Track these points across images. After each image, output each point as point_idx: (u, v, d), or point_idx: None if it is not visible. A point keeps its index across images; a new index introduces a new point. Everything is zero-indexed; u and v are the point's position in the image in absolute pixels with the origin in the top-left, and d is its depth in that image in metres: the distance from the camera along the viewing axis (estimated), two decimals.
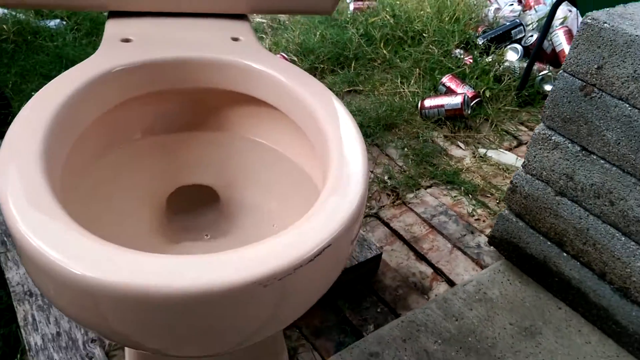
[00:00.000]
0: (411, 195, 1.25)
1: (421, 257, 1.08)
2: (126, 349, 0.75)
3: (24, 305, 0.82)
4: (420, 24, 1.84)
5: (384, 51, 1.74)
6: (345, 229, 0.48)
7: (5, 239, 0.94)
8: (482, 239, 1.12)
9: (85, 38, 1.74)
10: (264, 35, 1.86)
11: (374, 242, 1.01)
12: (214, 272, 0.41)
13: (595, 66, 0.77)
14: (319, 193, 0.54)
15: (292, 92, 0.66)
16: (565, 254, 0.89)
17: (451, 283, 1.02)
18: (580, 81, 0.79)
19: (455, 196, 1.26)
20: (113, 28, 0.76)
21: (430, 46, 1.76)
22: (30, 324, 0.80)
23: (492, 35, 1.76)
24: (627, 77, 0.73)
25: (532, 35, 1.75)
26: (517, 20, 1.79)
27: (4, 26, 1.72)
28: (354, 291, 0.97)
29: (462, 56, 1.72)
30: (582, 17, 1.10)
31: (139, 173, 0.72)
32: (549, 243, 0.91)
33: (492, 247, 1.06)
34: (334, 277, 0.55)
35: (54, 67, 1.54)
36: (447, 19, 1.87)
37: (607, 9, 0.78)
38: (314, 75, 1.62)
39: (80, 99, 0.60)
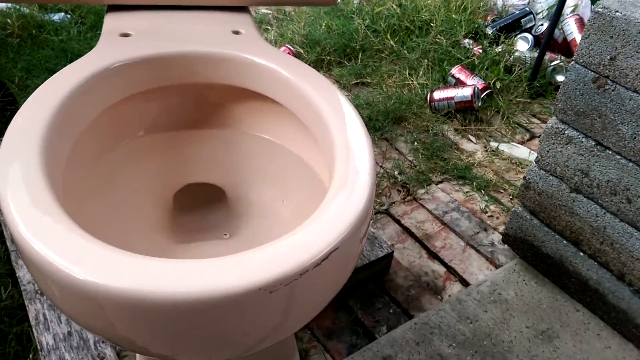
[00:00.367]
0: (422, 191, 1.22)
1: (434, 256, 1.06)
2: None
3: (35, 304, 0.81)
4: (428, 14, 1.81)
5: (391, 42, 1.71)
6: (353, 230, 0.47)
7: None
8: (496, 237, 1.10)
9: (90, 31, 1.72)
10: (269, 27, 1.83)
11: (385, 240, 0.99)
12: (217, 278, 0.40)
13: (608, 57, 0.73)
14: (326, 189, 0.52)
15: (295, 86, 0.64)
16: (582, 254, 0.86)
17: (465, 283, 1.00)
18: (592, 73, 0.76)
19: (467, 192, 1.23)
20: (112, 22, 0.73)
21: (438, 36, 1.72)
22: (41, 323, 0.79)
23: (502, 25, 1.73)
24: None
25: (542, 24, 1.71)
26: (527, 9, 1.75)
27: (8, 20, 1.70)
28: (365, 291, 0.95)
29: (471, 46, 1.69)
30: (593, 5, 1.06)
31: (143, 170, 0.70)
32: (564, 242, 0.88)
33: (506, 245, 1.03)
34: (344, 278, 0.54)
35: (60, 62, 1.52)
36: (454, 8, 1.83)
37: None
38: (321, 68, 1.60)
39: (80, 95, 0.58)
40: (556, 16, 1.46)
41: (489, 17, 1.83)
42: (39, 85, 0.58)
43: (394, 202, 1.18)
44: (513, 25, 1.73)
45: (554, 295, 0.91)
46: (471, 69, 1.59)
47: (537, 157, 0.89)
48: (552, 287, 0.92)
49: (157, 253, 0.63)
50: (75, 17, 1.78)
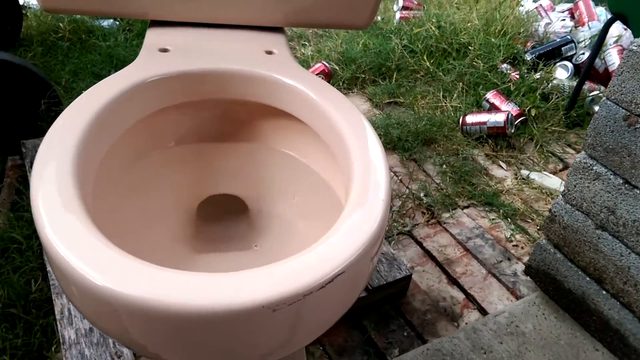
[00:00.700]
0: (447, 214, 1.22)
1: (453, 281, 1.05)
2: None
3: (61, 299, 0.85)
4: (467, 37, 1.80)
5: (427, 63, 1.71)
6: (361, 254, 0.48)
7: None
8: (519, 267, 1.08)
9: (136, 39, 1.78)
10: (306, 43, 1.86)
11: (404, 262, 0.99)
12: (222, 293, 0.42)
13: None
14: (342, 208, 0.53)
15: (319, 107, 0.66)
16: (604, 292, 0.84)
17: (483, 311, 0.99)
18: (624, 110, 0.75)
19: (493, 219, 1.22)
20: (152, 37, 0.77)
21: (476, 60, 1.72)
22: (66, 317, 0.82)
23: (542, 51, 1.71)
24: None
25: (583, 53, 1.68)
26: (569, 37, 1.73)
27: (60, 24, 1.79)
28: (381, 312, 0.95)
29: (508, 72, 1.67)
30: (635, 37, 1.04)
31: (171, 179, 0.73)
32: (587, 279, 0.87)
33: (528, 276, 1.02)
34: (352, 298, 0.54)
35: (105, 67, 1.59)
36: (494, 32, 1.83)
37: None
38: (355, 85, 1.61)
39: (117, 105, 0.61)
40: (598, 46, 1.44)
41: (529, 43, 1.82)
42: (84, 88, 0.62)
43: (418, 224, 1.18)
44: (553, 53, 1.71)
45: (573, 332, 0.89)
46: (507, 94, 1.57)
47: (563, 190, 0.88)
48: (572, 323, 0.90)
49: (176, 261, 0.66)
50: (123, 24, 1.86)
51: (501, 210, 1.23)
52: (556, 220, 0.90)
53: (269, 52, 0.77)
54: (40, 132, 1.19)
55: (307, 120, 0.71)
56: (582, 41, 1.76)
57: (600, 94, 1.53)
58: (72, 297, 0.48)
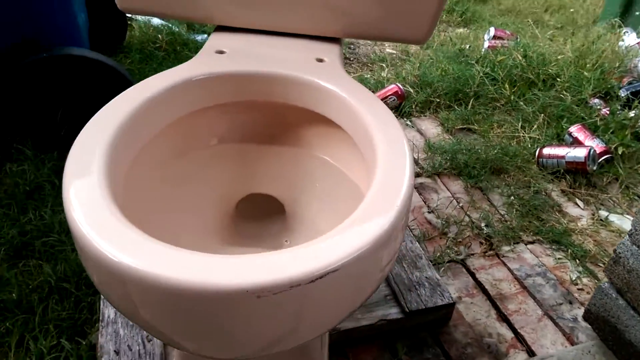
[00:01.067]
0: (507, 248, 1.14)
1: (503, 318, 0.98)
2: None
3: None
4: (556, 68, 1.71)
5: (508, 92, 1.64)
6: (361, 256, 0.46)
7: None
8: (581, 313, 0.99)
9: None
10: (383, 65, 1.87)
11: (448, 290, 0.94)
12: (213, 273, 0.42)
13: None
14: None
15: (359, 117, 0.65)
16: None
17: (532, 354, 0.91)
18: None
19: (559, 258, 1.13)
20: (214, 40, 0.81)
21: (563, 92, 1.63)
22: None
23: (639, 88, 1.58)
24: None
25: None
26: None
27: (159, 36, 1.94)
28: (417, 338, 0.91)
29: (599, 107, 1.56)
30: None
31: (211, 176, 0.75)
32: None
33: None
34: (354, 300, 0.53)
35: None
36: (588, 65, 1.72)
37: None
38: (428, 109, 1.59)
39: (160, 101, 0.65)
40: None
41: (625, 79, 1.69)
42: None
43: (473, 254, 1.12)
44: None
45: None
46: (593, 130, 1.47)
47: (630, 229, 0.80)
48: None
49: (203, 250, 0.67)
50: None
51: (570, 250, 1.14)
52: (620, 262, 0.82)
53: (320, 60, 0.78)
54: None
55: (347, 129, 0.70)
56: None
57: None
58: (92, 277, 0.50)
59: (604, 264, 1.12)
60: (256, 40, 0.83)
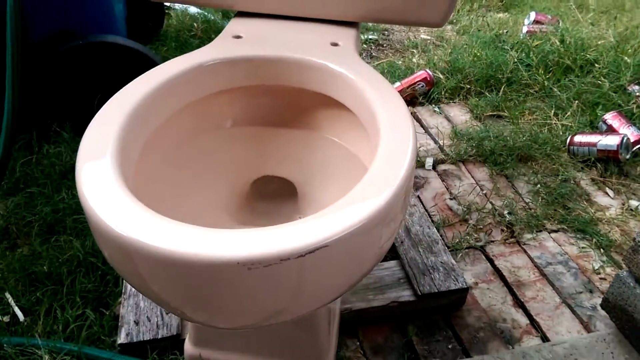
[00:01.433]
0: (529, 235, 1.13)
1: (519, 305, 0.98)
2: None
3: None
4: (595, 53, 1.66)
5: (543, 78, 1.60)
6: (352, 234, 0.47)
7: None
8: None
9: None
10: (414, 51, 1.85)
11: (462, 275, 0.94)
12: (207, 245, 0.44)
13: None
14: None
15: (366, 100, 0.66)
16: None
17: (546, 341, 0.91)
18: None
19: (583, 247, 1.11)
20: (232, 26, 0.83)
21: (601, 78, 1.57)
22: None
23: None
24: None
25: None
26: None
27: (195, 24, 1.99)
28: (429, 320, 0.92)
29: (637, 93, 1.50)
30: None
31: (223, 157, 0.78)
32: None
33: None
34: (347, 278, 0.54)
35: None
36: (629, 50, 1.65)
37: None
38: (458, 95, 1.57)
39: (175, 84, 0.68)
40: None
41: None
42: None
43: (493, 241, 1.11)
44: None
45: None
46: (629, 117, 1.42)
47: None
48: None
49: (214, 227, 0.71)
50: None
51: (594, 239, 1.11)
52: (639, 251, 0.80)
53: (334, 44, 0.80)
54: None
55: (355, 111, 0.72)
56: None
57: None
58: (103, 251, 0.54)
59: None
60: (274, 25, 0.85)
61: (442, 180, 1.27)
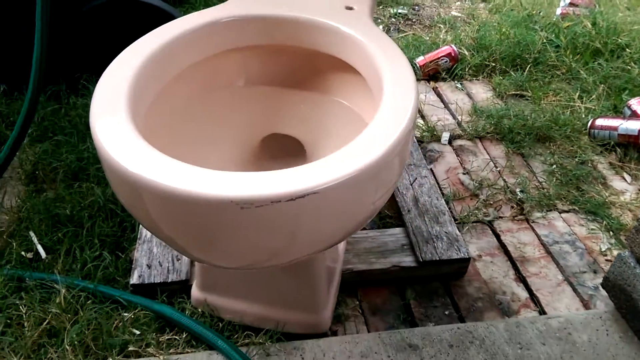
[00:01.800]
0: (539, 214, 1.13)
1: (521, 279, 0.99)
2: None
3: None
4: (627, 38, 1.62)
5: (571, 60, 1.57)
6: (342, 184, 0.50)
7: None
8: None
9: None
10: (441, 26, 1.83)
11: (465, 246, 0.96)
12: (206, 184, 0.48)
13: None
14: None
15: (373, 61, 0.68)
16: None
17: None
18: None
19: (592, 229, 1.11)
20: None
21: (631, 63, 1.54)
22: None
23: None
24: None
25: None
26: None
27: None
28: (428, 287, 0.94)
29: None
30: None
31: (234, 114, 0.81)
32: None
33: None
34: (340, 226, 0.57)
35: None
36: None
37: None
38: (482, 72, 1.56)
39: (189, 39, 0.71)
40: None
41: None
42: None
43: (502, 217, 1.12)
44: None
45: (637, 357, 0.79)
46: None
47: None
48: (638, 349, 0.80)
49: None
50: None
51: (605, 222, 1.11)
52: None
53: (349, 8, 0.81)
54: None
55: (365, 75, 0.73)
56: None
57: None
58: (113, 188, 0.57)
59: None
60: None
61: (457, 155, 1.28)
